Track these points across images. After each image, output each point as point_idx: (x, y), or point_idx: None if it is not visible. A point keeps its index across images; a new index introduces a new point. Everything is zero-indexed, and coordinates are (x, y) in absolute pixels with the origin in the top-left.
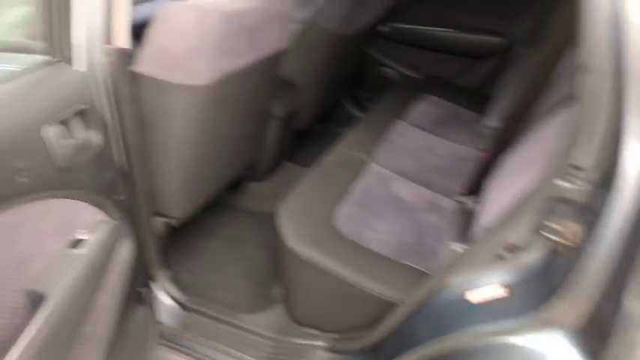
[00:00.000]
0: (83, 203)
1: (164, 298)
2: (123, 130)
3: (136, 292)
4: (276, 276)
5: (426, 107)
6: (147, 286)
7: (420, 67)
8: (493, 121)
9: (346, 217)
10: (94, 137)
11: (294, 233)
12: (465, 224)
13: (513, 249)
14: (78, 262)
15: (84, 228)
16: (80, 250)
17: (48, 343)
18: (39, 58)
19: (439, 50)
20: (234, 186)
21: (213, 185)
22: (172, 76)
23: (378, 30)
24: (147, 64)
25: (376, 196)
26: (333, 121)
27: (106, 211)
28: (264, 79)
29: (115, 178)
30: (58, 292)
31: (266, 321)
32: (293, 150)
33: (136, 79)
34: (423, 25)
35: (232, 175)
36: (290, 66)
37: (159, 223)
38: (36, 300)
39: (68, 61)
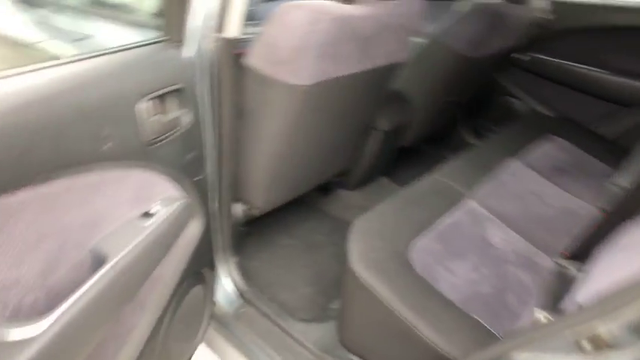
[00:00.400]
0: (162, 177)
1: (226, 283)
2: (220, 115)
3: (199, 271)
4: (336, 298)
5: (548, 149)
6: (211, 267)
7: (553, 105)
8: (625, 179)
9: (423, 249)
10: (185, 117)
11: (361, 254)
12: (558, 292)
13: (600, 343)
14: (145, 232)
15: (158, 201)
16: (150, 221)
17: (98, 301)
18: (153, 34)
19: (580, 90)
20: (324, 189)
21: (300, 184)
22: (276, 72)
23: (514, 58)
24: (256, 57)
25: (463, 235)
26: (443, 143)
27: (182, 189)
28: (372, 90)
29: (197, 159)
30: (119, 256)
31: (316, 335)
32: (392, 166)
33: (242, 69)
34: (566, 60)
35: (322, 178)
36: (404, 79)
37: (238, 208)
38: (98, 260)
39: (178, 41)
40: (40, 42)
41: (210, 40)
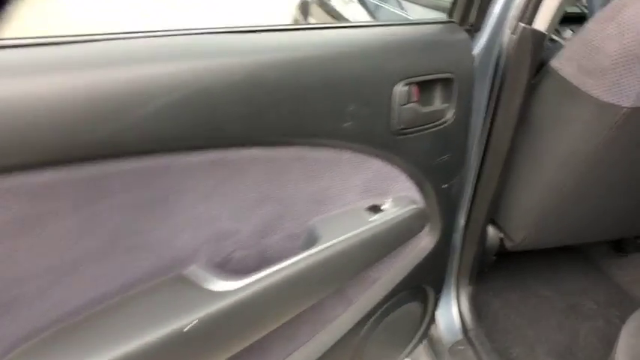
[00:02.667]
0: (401, 174)
1: (453, 311)
2: (495, 120)
3: (420, 287)
4: None
5: None
6: (437, 288)
7: None
8: None
9: None
10: (447, 112)
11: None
12: None
13: None
14: (368, 226)
15: (390, 198)
16: (375, 217)
17: (300, 279)
18: (439, 15)
19: None
20: (616, 247)
21: (581, 232)
22: (589, 84)
23: None
24: (564, 61)
25: None
26: None
27: (422, 193)
28: None
29: (449, 164)
30: (333, 241)
31: None
32: None
33: (541, 71)
34: None
35: (615, 234)
36: None
37: (491, 233)
38: (312, 238)
39: (466, 25)
40: None
41: (510, 30)
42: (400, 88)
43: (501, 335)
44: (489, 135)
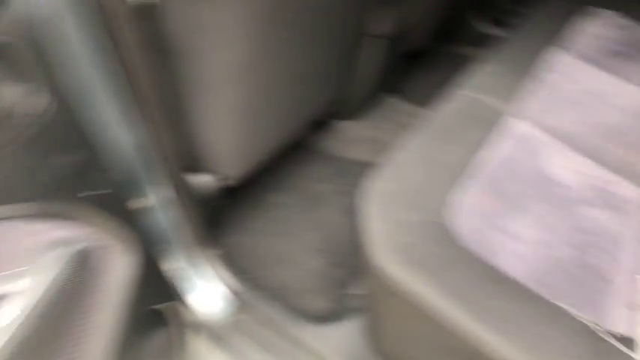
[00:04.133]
0: (18, 224)
1: (213, 286)
2: (128, 72)
3: (153, 311)
4: (355, 273)
5: (599, 29)
6: (171, 299)
7: None
8: None
9: (468, 210)
10: (31, 99)
11: (384, 239)
12: None
13: None
14: None
15: (16, 265)
16: None
17: None
18: None
19: None
20: (319, 125)
21: (283, 129)
22: None
23: None
24: None
25: (518, 174)
26: (456, 38)
27: (72, 219)
28: None
29: (86, 158)
30: None
31: (336, 341)
32: (398, 79)
33: None
34: None
35: (311, 114)
36: None
37: (205, 181)
38: None
39: None
40: None
41: None
42: None
43: (266, 269)
44: (128, 92)
